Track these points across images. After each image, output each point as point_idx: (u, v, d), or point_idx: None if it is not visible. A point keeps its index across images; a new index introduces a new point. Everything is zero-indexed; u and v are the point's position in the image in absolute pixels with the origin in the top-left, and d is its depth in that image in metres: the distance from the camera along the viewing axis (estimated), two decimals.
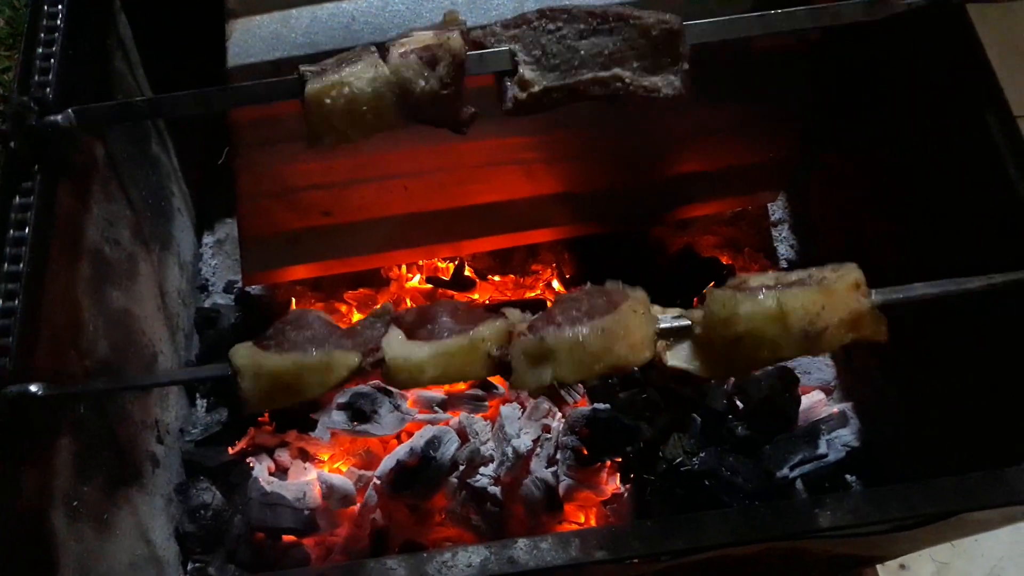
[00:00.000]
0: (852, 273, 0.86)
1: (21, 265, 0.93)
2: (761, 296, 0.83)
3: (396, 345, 0.86)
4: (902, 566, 1.67)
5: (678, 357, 0.88)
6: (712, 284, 1.28)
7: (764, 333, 0.82)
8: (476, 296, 1.64)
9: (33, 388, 0.87)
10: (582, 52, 0.97)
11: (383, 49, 0.96)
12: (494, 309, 0.91)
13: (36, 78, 1.06)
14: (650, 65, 0.98)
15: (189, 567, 1.39)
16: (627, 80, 0.97)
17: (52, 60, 1.08)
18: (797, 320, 0.82)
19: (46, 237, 1.02)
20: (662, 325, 0.87)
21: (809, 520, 0.88)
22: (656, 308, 0.89)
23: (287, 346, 0.86)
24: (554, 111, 1.00)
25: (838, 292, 0.83)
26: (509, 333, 0.86)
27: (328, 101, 0.93)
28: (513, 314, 0.89)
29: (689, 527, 0.88)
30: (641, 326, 0.86)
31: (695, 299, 1.57)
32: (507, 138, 1.39)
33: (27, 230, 0.95)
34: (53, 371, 1.03)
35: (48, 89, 1.05)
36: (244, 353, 0.87)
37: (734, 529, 0.88)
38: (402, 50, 0.94)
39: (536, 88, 0.97)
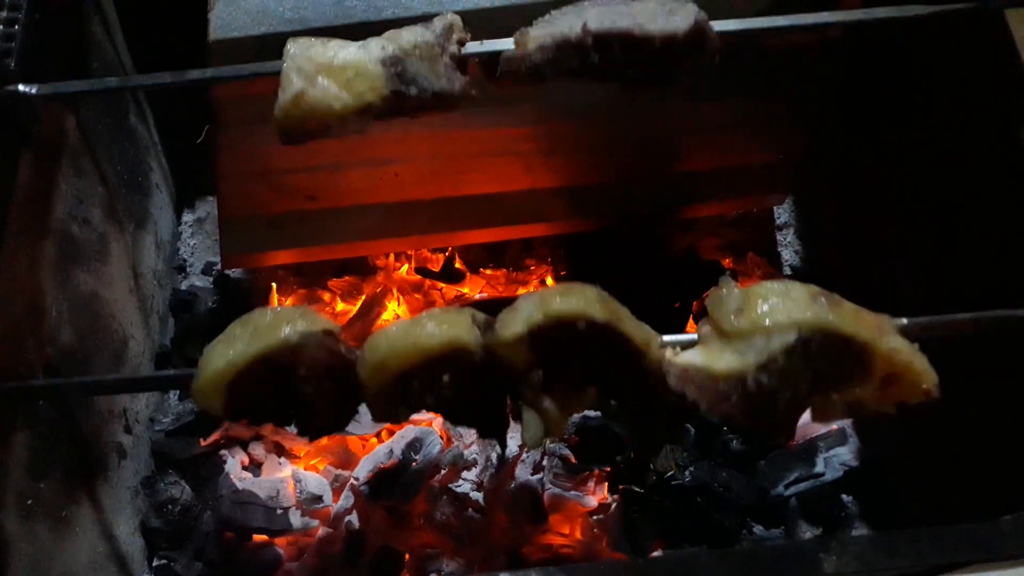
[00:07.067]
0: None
1: None
2: None
3: None
4: None
5: None
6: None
7: None
8: (466, 290, 1.57)
9: None
10: None
11: None
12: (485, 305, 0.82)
13: None
14: None
15: (154, 563, 1.33)
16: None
17: (16, 25, 0.99)
18: None
19: (1, 218, 0.94)
20: None
21: (812, 565, 0.82)
22: None
23: None
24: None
25: None
26: None
27: None
28: None
29: (681, 568, 0.82)
30: None
31: (694, 303, 1.51)
32: (504, 128, 1.31)
33: None
34: (7, 365, 0.96)
35: (10, 58, 0.97)
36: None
37: (730, 572, 0.82)
38: None
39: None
